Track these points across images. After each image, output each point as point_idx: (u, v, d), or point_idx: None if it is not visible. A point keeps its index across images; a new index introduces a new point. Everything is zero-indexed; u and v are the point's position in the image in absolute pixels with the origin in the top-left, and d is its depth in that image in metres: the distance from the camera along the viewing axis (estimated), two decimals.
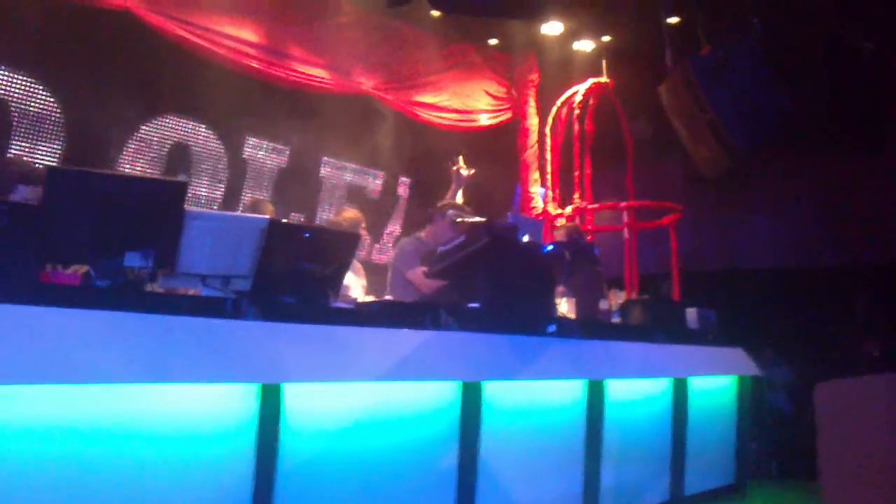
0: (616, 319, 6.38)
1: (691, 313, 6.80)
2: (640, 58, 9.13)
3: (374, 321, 3.99)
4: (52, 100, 6.31)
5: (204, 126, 7.23)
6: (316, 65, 7.68)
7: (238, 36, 7.10)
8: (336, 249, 3.97)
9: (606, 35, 9.34)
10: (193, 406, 3.13)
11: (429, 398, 4.10)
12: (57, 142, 6.27)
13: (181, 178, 3.21)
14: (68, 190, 3.09)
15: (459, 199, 6.25)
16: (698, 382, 6.39)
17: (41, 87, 6.28)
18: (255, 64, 7.16)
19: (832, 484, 3.23)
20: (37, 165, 5.67)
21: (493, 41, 9.51)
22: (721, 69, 6.39)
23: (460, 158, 6.35)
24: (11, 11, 5.67)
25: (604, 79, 9.14)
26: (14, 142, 6.10)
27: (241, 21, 7.12)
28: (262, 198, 7.15)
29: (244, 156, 7.64)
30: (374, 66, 8.25)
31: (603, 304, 6.68)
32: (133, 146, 6.68)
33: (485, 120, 9.44)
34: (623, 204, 8.86)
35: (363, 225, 6.36)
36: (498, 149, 9.45)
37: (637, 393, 5.74)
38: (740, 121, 6.40)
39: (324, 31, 7.75)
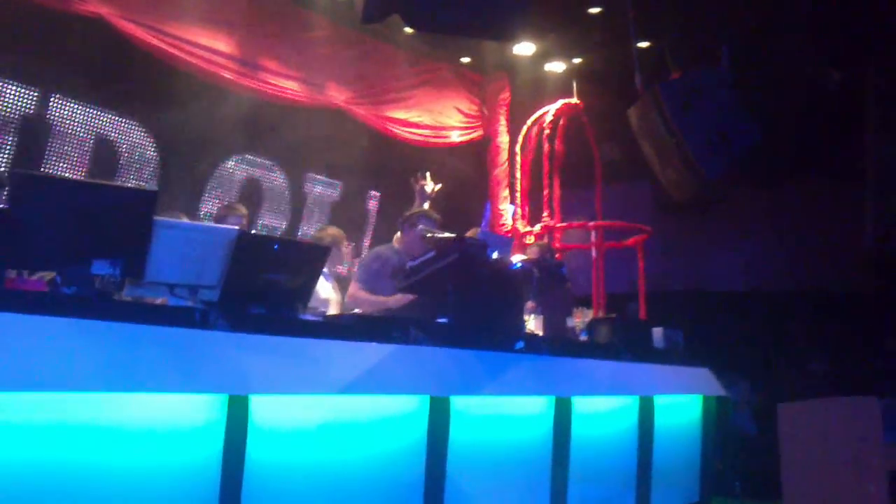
0: (583, 337, 6.42)
1: (658, 332, 6.85)
2: (610, 80, 9.24)
3: (343, 334, 3.98)
4: None
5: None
6: (289, 77, 7.68)
7: (212, 46, 7.09)
8: (305, 261, 3.95)
9: (577, 57, 9.45)
10: (160, 415, 3.10)
11: (397, 412, 4.09)
12: None
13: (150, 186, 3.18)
14: (34, 195, 3.05)
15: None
16: (664, 401, 6.44)
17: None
18: (227, 74, 7.15)
19: (794, 501, 3.28)
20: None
21: (465, 59, 9.58)
22: (690, 95, 6.47)
23: (427, 175, 6.38)
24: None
25: (574, 100, 9.23)
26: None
27: (215, 32, 7.11)
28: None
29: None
30: (347, 81, 8.27)
31: (570, 322, 6.72)
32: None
33: (456, 137, 9.49)
34: (591, 224, 8.94)
35: (345, 242, 6.37)
36: (468, 166, 9.50)
37: (604, 410, 5.76)
38: (708, 147, 6.49)
39: (298, 44, 7.76)
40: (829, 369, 9.16)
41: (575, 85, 9.39)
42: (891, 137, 9.83)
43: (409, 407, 4.15)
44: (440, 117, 9.29)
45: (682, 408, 6.86)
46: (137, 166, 6.87)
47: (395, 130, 8.76)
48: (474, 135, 9.71)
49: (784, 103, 8.65)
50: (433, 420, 4.22)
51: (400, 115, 8.84)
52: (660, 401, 6.35)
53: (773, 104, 8.06)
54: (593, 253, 8.98)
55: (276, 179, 8.10)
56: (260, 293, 3.70)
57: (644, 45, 8.35)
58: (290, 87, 7.69)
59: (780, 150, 9.00)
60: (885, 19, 8.38)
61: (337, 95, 8.15)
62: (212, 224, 4.50)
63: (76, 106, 6.55)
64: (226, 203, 5.38)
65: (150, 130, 7.01)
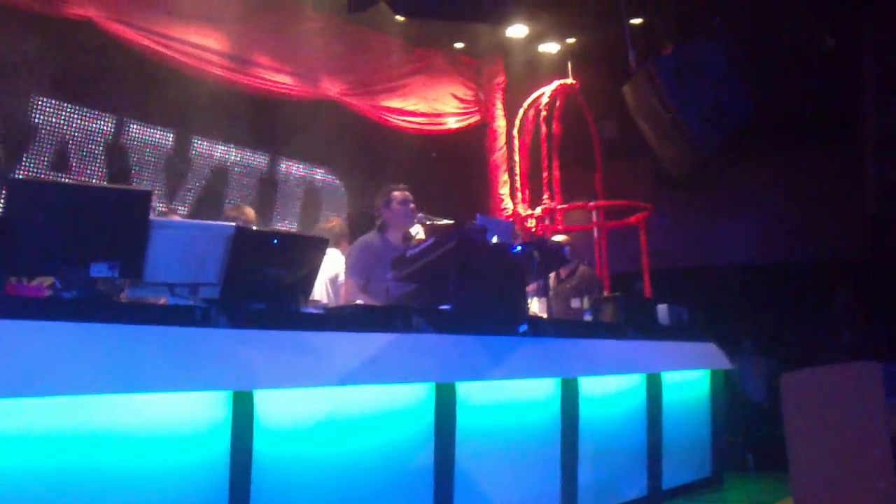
0: (588, 317, 6.42)
1: (662, 309, 6.85)
2: (605, 59, 9.21)
3: (345, 326, 3.99)
4: None
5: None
6: (281, 71, 7.67)
7: (202, 44, 7.08)
8: (304, 254, 3.96)
9: (571, 37, 9.41)
10: (165, 415, 3.11)
11: (403, 400, 4.11)
12: None
13: (144, 186, 3.19)
14: (30, 201, 3.07)
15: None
16: (671, 377, 6.45)
17: None
18: (220, 72, 7.14)
19: (800, 471, 3.28)
20: None
21: (458, 45, 9.55)
22: (683, 69, 6.44)
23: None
24: None
25: (570, 80, 9.20)
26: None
27: (205, 29, 7.10)
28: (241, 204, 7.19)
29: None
30: (340, 72, 8.26)
31: (575, 303, 6.73)
32: None
33: (453, 123, 9.48)
34: (592, 204, 8.93)
35: (347, 233, 6.39)
36: (466, 151, 9.49)
37: (611, 390, 5.77)
38: (704, 120, 6.46)
39: (289, 37, 7.75)
40: (847, 338, 9.13)
41: (570, 65, 9.35)
42: (888, 100, 9.80)
43: (415, 395, 4.16)
44: (436, 104, 9.28)
45: (689, 383, 6.87)
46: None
47: (390, 119, 8.75)
48: (471, 120, 9.69)
49: (779, 72, 8.61)
50: (440, 407, 4.24)
51: (395, 104, 8.83)
52: (667, 377, 6.36)
53: (767, 73, 8.03)
54: (595, 233, 8.98)
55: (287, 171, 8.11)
56: (260, 288, 3.70)
57: (636, 21, 8.32)
58: (282, 81, 7.69)
59: (777, 120, 8.98)
60: None
61: (331, 87, 8.14)
62: (208, 221, 4.50)
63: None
64: (235, 204, 5.38)
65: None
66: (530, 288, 5.72)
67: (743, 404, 8.60)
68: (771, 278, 10.49)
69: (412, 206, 5.67)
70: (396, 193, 5.63)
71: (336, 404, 3.76)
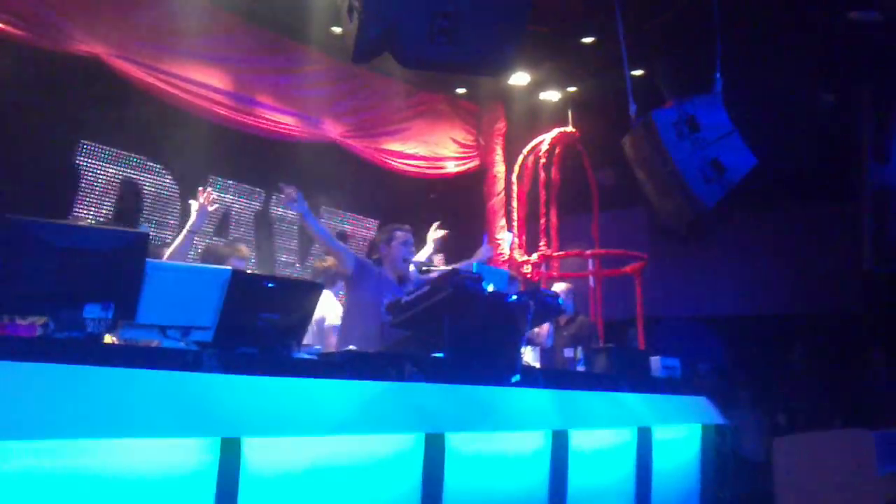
0: (580, 368, 6.40)
1: (655, 361, 6.83)
2: (605, 108, 9.28)
3: (338, 372, 3.97)
4: None
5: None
6: (284, 112, 7.73)
7: (207, 83, 7.13)
8: (299, 299, 3.96)
9: (572, 86, 9.50)
10: (152, 460, 3.08)
11: (392, 449, 4.08)
12: None
13: (143, 228, 3.19)
14: (24, 240, 3.06)
15: (423, 255, 6.28)
16: (663, 431, 6.40)
17: None
18: (222, 111, 7.19)
19: None
20: None
21: (460, 90, 9.63)
22: (683, 123, 6.49)
23: (435, 225, 6.40)
24: None
25: (570, 128, 9.26)
26: None
27: (210, 69, 7.16)
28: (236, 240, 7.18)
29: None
30: (342, 114, 8.34)
31: (568, 352, 6.71)
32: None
33: (452, 167, 9.53)
34: (588, 252, 8.94)
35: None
36: (465, 196, 9.53)
37: (601, 443, 5.73)
38: (703, 175, 6.50)
39: (292, 79, 7.82)
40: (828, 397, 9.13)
41: (570, 113, 9.42)
42: (885, 159, 9.87)
43: (404, 445, 4.13)
44: (436, 148, 9.34)
45: (681, 437, 6.82)
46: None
47: (391, 162, 8.80)
48: (470, 165, 9.75)
49: (779, 128, 8.69)
50: (428, 458, 4.19)
51: (395, 147, 8.89)
52: (658, 431, 6.31)
53: (768, 129, 8.09)
54: (591, 281, 8.98)
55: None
56: (254, 333, 3.69)
57: (637, 73, 8.41)
58: (285, 121, 7.74)
59: (776, 175, 9.02)
60: (875, 41, 8.44)
61: (332, 129, 8.20)
62: (205, 265, 4.50)
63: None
64: (228, 241, 5.36)
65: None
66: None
67: (737, 460, 8.54)
68: (764, 331, 10.50)
69: (413, 248, 5.70)
70: (399, 233, 5.65)
71: (325, 452, 3.72)
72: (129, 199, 6.86)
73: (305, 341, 5.47)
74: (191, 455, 3.20)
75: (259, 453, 3.39)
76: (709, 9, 7.14)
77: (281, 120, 7.71)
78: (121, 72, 6.39)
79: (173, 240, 5.55)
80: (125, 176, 6.97)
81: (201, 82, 7.06)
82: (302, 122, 7.91)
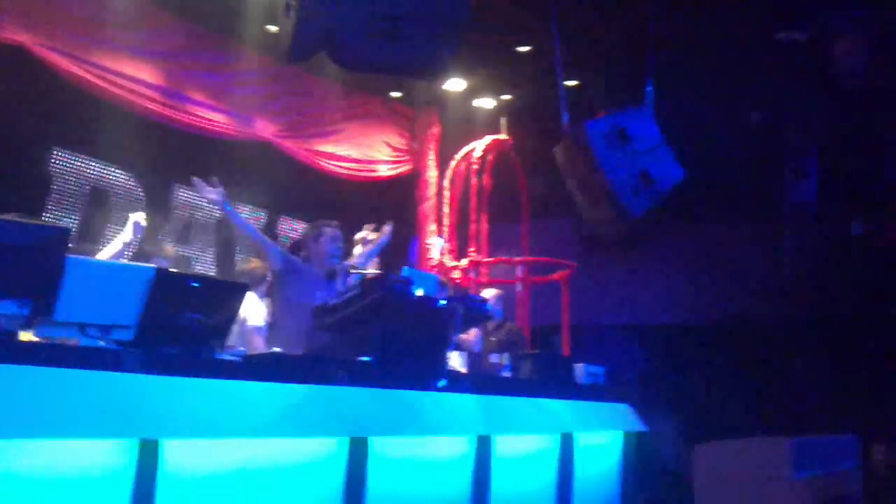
0: (506, 373, 6.45)
1: (580, 368, 6.92)
2: (537, 116, 9.38)
3: (262, 375, 3.93)
4: None
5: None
6: (216, 110, 7.62)
7: (137, 77, 6.99)
8: (225, 299, 3.91)
9: (506, 94, 9.58)
10: (67, 460, 3.00)
11: (315, 453, 4.05)
12: None
13: (63, 223, 3.11)
14: None
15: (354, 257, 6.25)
16: (585, 438, 6.48)
17: None
18: (153, 106, 7.05)
19: None
20: None
21: (395, 94, 9.63)
22: (614, 134, 6.61)
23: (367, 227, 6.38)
24: None
25: (503, 136, 9.33)
26: None
27: (141, 63, 7.02)
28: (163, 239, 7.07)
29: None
30: (275, 114, 8.25)
31: (494, 358, 6.75)
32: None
33: (384, 171, 9.52)
34: (517, 259, 9.02)
35: (268, 276, 6.33)
36: (396, 199, 9.52)
37: (525, 448, 5.78)
38: (632, 186, 6.62)
39: (225, 76, 7.71)
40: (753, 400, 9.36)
41: (503, 121, 9.49)
42: (805, 175, 10.19)
43: (327, 449, 4.11)
44: (369, 151, 9.32)
45: (603, 444, 6.91)
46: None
47: (322, 164, 8.74)
48: (403, 169, 9.75)
49: (707, 142, 8.90)
50: (352, 462, 4.18)
51: (328, 148, 8.84)
52: (581, 437, 6.39)
53: (696, 143, 8.28)
54: (519, 287, 9.06)
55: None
56: (177, 332, 3.63)
57: (571, 83, 8.52)
58: (217, 119, 7.63)
59: (703, 188, 9.23)
60: (801, 61, 8.69)
61: (265, 128, 8.11)
62: (127, 262, 4.42)
63: None
64: (155, 239, 5.32)
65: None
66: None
67: (657, 468, 8.68)
68: (687, 339, 10.71)
69: (341, 244, 5.66)
70: (328, 230, 5.61)
71: (246, 454, 3.68)
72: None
73: (227, 343, 5.41)
74: (108, 456, 3.13)
75: (179, 455, 3.33)
76: (643, 23, 7.27)
77: (212, 118, 7.59)
78: (48, 62, 6.22)
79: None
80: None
81: (131, 76, 6.90)
82: (234, 121, 7.80)
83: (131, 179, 7.29)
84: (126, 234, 5.23)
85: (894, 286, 11.12)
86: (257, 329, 6.19)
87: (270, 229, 8.54)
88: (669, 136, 7.38)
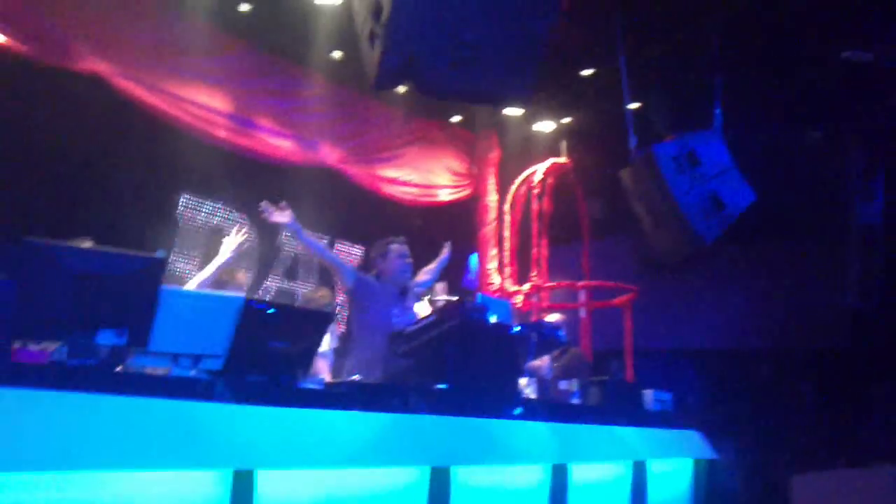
0: (576, 400, 6.37)
1: (648, 394, 6.82)
2: (596, 139, 9.33)
3: (343, 403, 3.92)
4: None
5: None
6: (282, 136, 7.68)
7: (206, 104, 7.08)
8: (309, 328, 3.91)
9: (566, 117, 9.54)
10: (165, 491, 3.01)
11: (398, 482, 4.02)
12: None
13: (159, 253, 3.13)
14: (42, 264, 3.00)
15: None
16: (657, 465, 6.38)
17: None
18: (222, 133, 7.13)
19: None
20: None
21: (455, 118, 9.63)
22: (684, 158, 6.53)
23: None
24: None
25: (563, 159, 9.28)
26: None
27: (210, 90, 7.11)
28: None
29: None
30: (339, 140, 8.28)
31: (563, 385, 6.67)
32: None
33: (445, 195, 9.51)
34: (580, 283, 8.93)
35: (335, 304, 6.35)
36: (457, 224, 9.49)
37: (599, 475, 5.70)
38: (703, 211, 6.53)
39: (292, 103, 7.77)
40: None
41: (564, 144, 9.44)
42: (871, 197, 9.98)
43: (409, 478, 4.08)
44: (430, 175, 9.32)
45: (673, 471, 6.80)
46: None
47: (386, 189, 8.76)
48: (463, 193, 9.73)
49: (768, 163, 8.77)
50: (433, 491, 4.14)
51: (390, 173, 8.85)
52: (652, 465, 6.29)
53: (756, 164, 8.17)
54: (582, 313, 8.97)
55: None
56: (263, 361, 3.64)
57: (633, 106, 8.46)
58: (283, 145, 7.69)
59: (765, 210, 9.11)
60: (866, 81, 8.56)
61: (329, 154, 8.15)
62: (218, 292, 4.44)
63: None
64: (227, 269, 5.33)
65: None
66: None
67: (724, 497, 8.52)
68: (747, 365, 10.53)
69: (409, 259, 5.66)
70: (394, 246, 5.62)
71: (333, 483, 3.66)
72: None
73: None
74: (203, 487, 3.13)
75: (269, 486, 3.32)
76: (707, 45, 7.21)
77: (279, 144, 7.65)
78: (123, 91, 6.32)
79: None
80: None
81: (202, 103, 6.99)
82: (300, 146, 7.85)
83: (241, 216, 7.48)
84: (221, 257, 5.28)
85: None
86: (321, 355, 6.20)
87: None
88: (736, 158, 7.28)
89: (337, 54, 7.76)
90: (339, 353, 6.25)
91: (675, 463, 6.86)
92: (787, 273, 10.65)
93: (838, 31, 7.99)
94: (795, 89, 8.60)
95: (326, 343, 6.28)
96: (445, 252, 6.31)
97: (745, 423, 9.44)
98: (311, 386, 4.04)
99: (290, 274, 8.14)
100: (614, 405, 6.14)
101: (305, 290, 7.77)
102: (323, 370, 5.94)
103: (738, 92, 8.03)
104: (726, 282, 11.09)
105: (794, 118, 9.20)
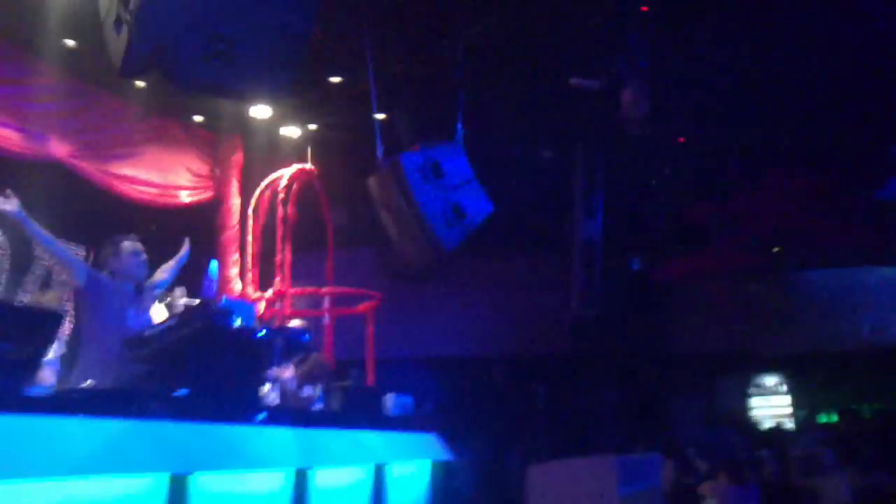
0: (318, 406, 6.37)
1: (389, 398, 6.95)
2: (343, 147, 9.41)
3: (76, 409, 3.66)
4: None
5: None
6: (7, 126, 7.06)
7: None
8: (37, 329, 3.61)
9: (314, 123, 9.53)
10: None
11: (135, 491, 3.81)
12: None
13: None
14: None
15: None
16: (397, 467, 6.51)
17: None
18: None
19: None
20: None
21: (197, 118, 9.33)
22: (429, 168, 6.74)
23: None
24: None
25: (308, 165, 9.25)
26: None
27: None
28: None
29: None
30: (70, 133, 7.74)
31: (306, 391, 6.65)
32: None
33: (185, 197, 9.18)
34: (324, 290, 8.92)
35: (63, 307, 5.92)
36: (197, 228, 9.18)
37: (340, 479, 5.72)
38: (446, 220, 6.76)
39: (17, 90, 7.17)
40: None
41: (310, 150, 9.43)
42: (592, 214, 10.82)
43: (147, 486, 3.88)
44: (168, 175, 8.97)
45: (412, 473, 6.96)
46: None
47: (119, 187, 8.30)
48: (204, 195, 9.44)
49: (507, 179, 9.25)
50: (172, 499, 3.97)
51: (126, 171, 8.41)
52: (393, 467, 6.41)
53: (498, 180, 8.59)
54: (326, 319, 8.97)
55: None
56: None
57: (379, 116, 8.61)
58: (7, 135, 7.07)
59: (502, 223, 9.61)
60: (591, 106, 9.23)
61: (58, 147, 7.60)
62: None
63: None
64: None
65: None
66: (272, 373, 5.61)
67: (456, 495, 8.83)
68: (479, 371, 11.03)
69: (144, 257, 5.40)
70: (126, 244, 5.34)
71: (62, 494, 3.41)
72: None
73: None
74: None
75: None
76: (453, 62, 7.49)
77: (2, 133, 7.03)
78: None
79: None
80: None
81: None
82: (24, 138, 7.25)
83: None
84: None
85: (668, 321, 12.02)
86: (47, 363, 5.77)
87: None
88: (476, 171, 7.60)
89: (70, 43, 7.26)
90: (66, 361, 5.84)
91: (414, 465, 7.02)
92: (521, 284, 11.29)
93: (572, 57, 8.58)
94: (532, 109, 9.13)
95: (52, 350, 5.85)
96: (185, 248, 6.09)
97: (482, 425, 9.85)
98: (38, 391, 3.74)
99: (46, 285, 7.48)
100: (356, 410, 6.21)
101: (30, 294, 7.21)
102: (49, 379, 5.52)
103: (481, 108, 8.40)
104: (466, 292, 11.57)
105: (529, 137, 9.77)
